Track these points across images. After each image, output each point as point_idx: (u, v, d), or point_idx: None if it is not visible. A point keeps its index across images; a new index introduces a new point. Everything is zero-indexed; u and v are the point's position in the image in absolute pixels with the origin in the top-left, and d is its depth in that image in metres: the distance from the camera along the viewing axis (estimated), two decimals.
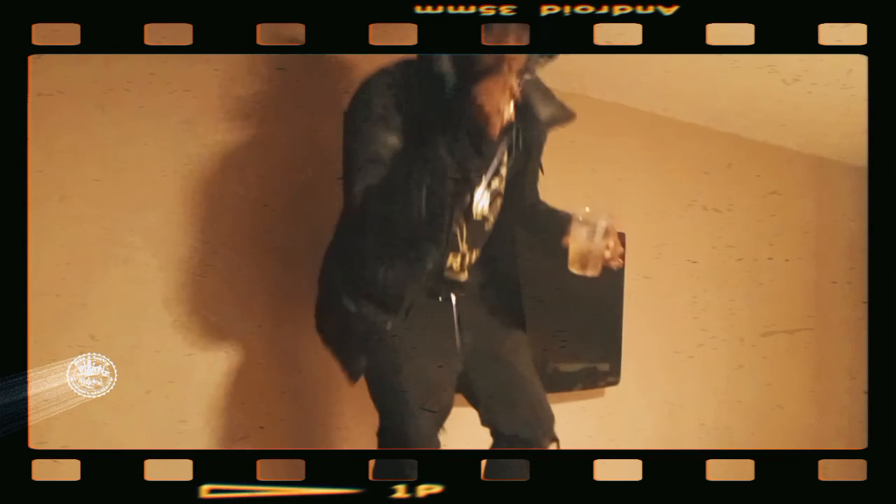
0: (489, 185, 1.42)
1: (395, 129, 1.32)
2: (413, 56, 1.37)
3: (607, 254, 1.34)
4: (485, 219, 1.46)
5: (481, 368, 1.47)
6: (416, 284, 1.35)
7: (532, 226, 1.55)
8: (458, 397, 1.47)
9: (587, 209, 1.33)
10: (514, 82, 1.21)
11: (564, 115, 1.51)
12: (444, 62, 1.32)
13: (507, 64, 1.25)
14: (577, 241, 1.35)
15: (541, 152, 1.52)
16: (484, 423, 1.48)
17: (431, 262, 1.34)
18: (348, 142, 1.37)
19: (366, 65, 1.45)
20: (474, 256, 1.49)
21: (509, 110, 1.21)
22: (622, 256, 1.38)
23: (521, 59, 1.33)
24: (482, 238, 1.49)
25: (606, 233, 1.33)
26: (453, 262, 1.44)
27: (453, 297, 1.46)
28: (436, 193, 1.25)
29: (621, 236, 1.39)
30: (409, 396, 1.35)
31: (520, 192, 1.52)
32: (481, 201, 1.43)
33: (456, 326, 1.46)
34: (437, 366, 1.40)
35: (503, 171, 1.47)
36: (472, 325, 1.48)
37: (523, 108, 1.41)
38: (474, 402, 1.49)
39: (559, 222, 1.44)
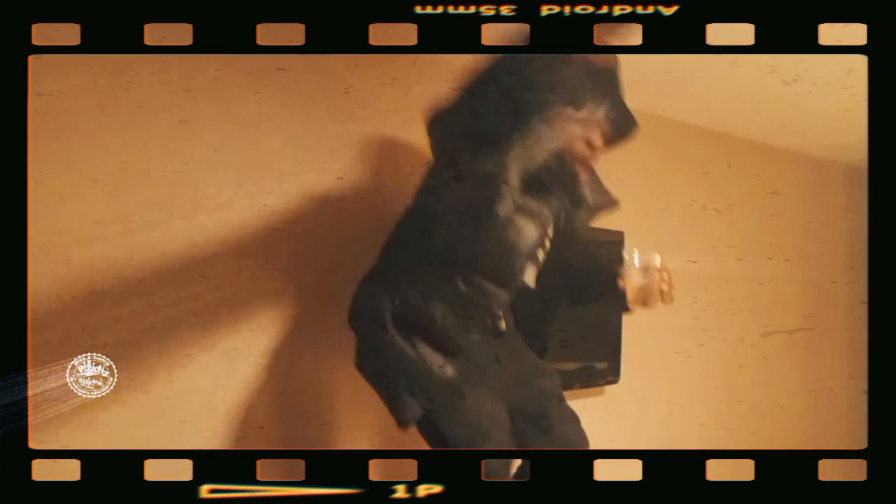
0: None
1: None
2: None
3: (664, 287, 1.40)
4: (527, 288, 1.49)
5: (517, 396, 1.47)
6: (478, 328, 1.35)
7: (578, 289, 1.59)
8: None
9: (636, 250, 1.41)
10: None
11: (609, 203, 1.54)
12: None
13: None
14: (632, 281, 1.42)
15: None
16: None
17: (496, 304, 1.35)
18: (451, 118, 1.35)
19: None
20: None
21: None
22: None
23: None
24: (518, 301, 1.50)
25: (660, 268, 1.41)
26: None
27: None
28: (514, 224, 1.30)
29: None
30: (466, 435, 1.33)
31: (563, 262, 1.55)
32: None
33: (497, 361, 1.48)
34: (491, 401, 1.40)
35: (546, 242, 1.51)
36: (507, 357, 1.50)
37: (572, 189, 1.46)
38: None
39: (604, 275, 1.49)
